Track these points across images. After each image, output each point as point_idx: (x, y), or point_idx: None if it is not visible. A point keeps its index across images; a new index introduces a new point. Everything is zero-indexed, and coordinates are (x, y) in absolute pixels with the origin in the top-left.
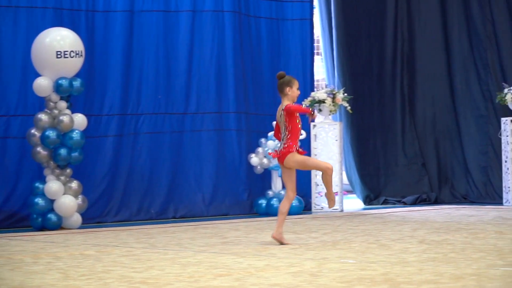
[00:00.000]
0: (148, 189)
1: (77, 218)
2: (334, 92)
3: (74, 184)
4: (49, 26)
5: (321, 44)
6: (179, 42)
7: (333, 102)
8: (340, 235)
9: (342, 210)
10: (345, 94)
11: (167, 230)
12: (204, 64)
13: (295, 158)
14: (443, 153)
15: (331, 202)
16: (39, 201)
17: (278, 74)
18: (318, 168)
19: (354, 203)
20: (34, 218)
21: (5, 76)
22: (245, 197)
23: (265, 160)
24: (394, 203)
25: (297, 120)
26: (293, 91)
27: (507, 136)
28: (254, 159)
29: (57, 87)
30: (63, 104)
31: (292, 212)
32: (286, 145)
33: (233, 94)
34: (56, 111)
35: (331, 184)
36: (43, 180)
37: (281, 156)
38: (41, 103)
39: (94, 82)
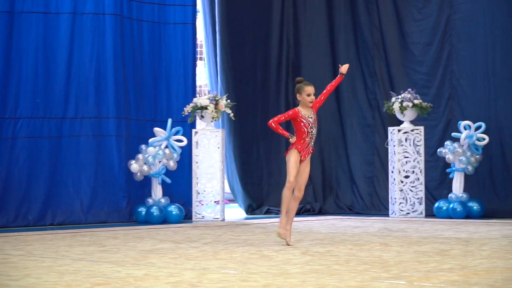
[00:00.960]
0: (26, 195)
1: None
2: (217, 99)
3: None
4: None
5: (204, 49)
6: (58, 44)
7: (215, 108)
8: (221, 245)
9: (223, 219)
10: (228, 101)
11: (45, 237)
12: (83, 68)
13: (287, 157)
14: (328, 162)
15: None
16: None
17: (296, 80)
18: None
19: (236, 212)
20: None
21: None
22: (124, 204)
23: (145, 167)
24: (277, 213)
25: (302, 124)
26: (303, 97)
27: (394, 146)
28: (134, 166)
29: None
30: None
31: (172, 220)
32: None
33: (113, 99)
34: None
35: (284, 204)
36: None
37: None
38: None
39: None
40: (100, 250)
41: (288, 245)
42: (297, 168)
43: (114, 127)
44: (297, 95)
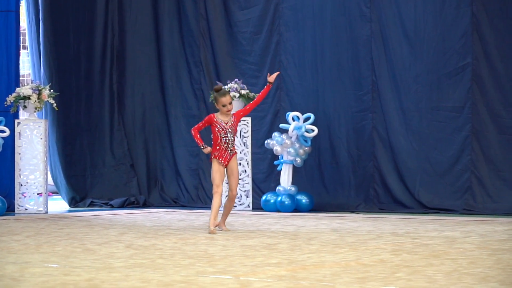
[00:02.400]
0: None
1: None
2: (40, 88)
3: None
4: None
5: (27, 38)
6: None
7: (38, 98)
8: (44, 238)
9: (46, 212)
10: (51, 91)
11: None
12: None
13: (212, 167)
14: (152, 154)
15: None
16: None
17: (214, 88)
18: None
19: (59, 205)
20: None
21: None
22: None
23: None
24: (101, 206)
25: (216, 129)
26: (219, 107)
27: None
28: None
29: None
30: None
31: None
32: None
33: None
34: None
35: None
36: None
37: None
38: None
39: None
40: None
41: (224, 230)
42: (220, 173)
43: None
44: (216, 104)
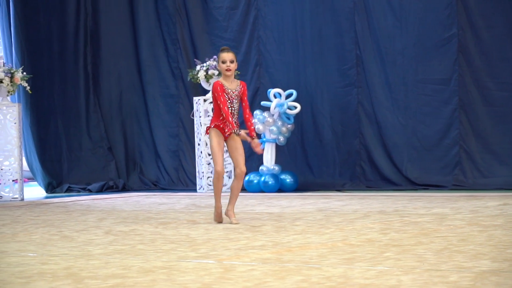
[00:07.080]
0: None
1: None
2: (12, 71)
3: None
4: None
5: None
6: None
7: (11, 82)
8: (20, 226)
9: (22, 199)
10: (24, 73)
11: None
12: None
13: (209, 140)
14: (130, 136)
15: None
16: None
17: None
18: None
19: (35, 191)
20: None
21: None
22: None
23: None
24: (79, 191)
25: (222, 99)
26: (220, 66)
27: (200, 117)
28: None
29: None
30: None
31: None
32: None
33: None
34: None
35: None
36: None
37: None
38: None
39: None
40: None
41: (233, 223)
42: (221, 152)
43: None
44: (217, 66)
